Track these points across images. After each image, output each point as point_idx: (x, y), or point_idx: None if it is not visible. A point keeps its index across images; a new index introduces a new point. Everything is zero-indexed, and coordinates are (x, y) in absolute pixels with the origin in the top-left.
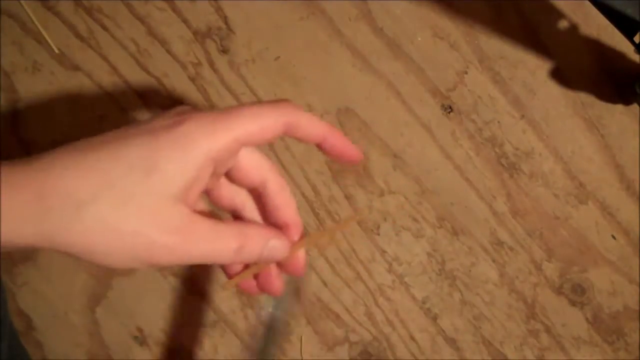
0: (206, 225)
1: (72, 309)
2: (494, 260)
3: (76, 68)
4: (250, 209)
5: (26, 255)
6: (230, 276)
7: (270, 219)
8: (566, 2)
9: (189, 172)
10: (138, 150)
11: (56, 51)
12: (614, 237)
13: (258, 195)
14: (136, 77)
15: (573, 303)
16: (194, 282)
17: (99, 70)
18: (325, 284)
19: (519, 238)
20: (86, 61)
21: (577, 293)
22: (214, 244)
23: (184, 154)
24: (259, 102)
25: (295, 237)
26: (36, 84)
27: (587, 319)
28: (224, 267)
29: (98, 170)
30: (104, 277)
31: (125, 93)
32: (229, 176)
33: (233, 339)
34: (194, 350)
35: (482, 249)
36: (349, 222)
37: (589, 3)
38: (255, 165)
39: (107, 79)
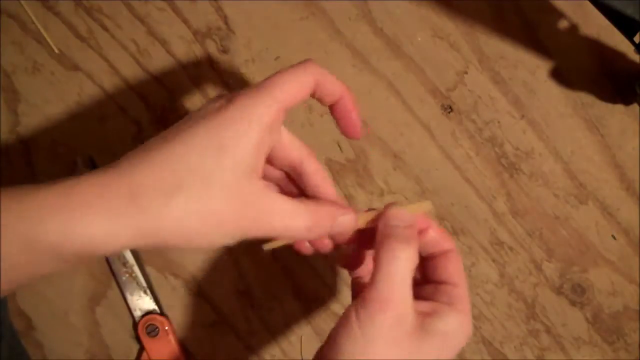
0: (280, 201)
1: (72, 309)
2: (494, 260)
3: (76, 68)
4: (290, 188)
5: None
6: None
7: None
8: (566, 2)
9: (251, 143)
10: (205, 134)
11: (56, 51)
12: (614, 237)
13: (296, 176)
14: (136, 77)
15: (573, 303)
16: (194, 282)
17: (99, 70)
18: (325, 283)
19: (519, 238)
20: (86, 61)
21: (577, 293)
22: (287, 220)
23: (244, 127)
24: (289, 67)
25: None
26: (36, 84)
27: (587, 319)
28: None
29: (176, 160)
30: (104, 277)
31: (125, 93)
32: (271, 157)
33: (233, 339)
34: (194, 351)
35: (482, 249)
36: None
37: (589, 3)
38: (294, 144)
39: (107, 79)
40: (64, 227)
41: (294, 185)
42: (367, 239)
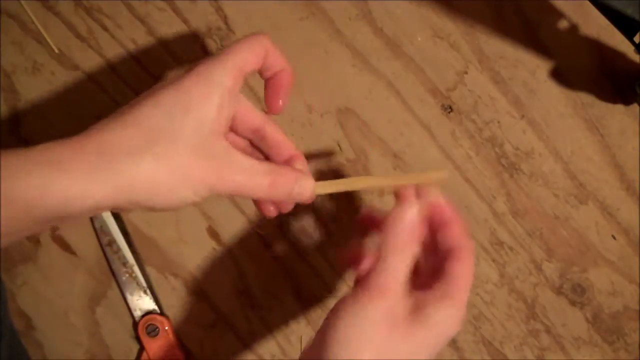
0: (242, 158)
1: (72, 309)
2: (494, 260)
3: (76, 68)
4: (257, 155)
5: (26, 255)
6: (262, 212)
7: (276, 157)
8: (566, 2)
9: (214, 104)
10: (172, 96)
11: (56, 51)
12: (614, 237)
13: (260, 140)
14: (136, 77)
15: (573, 303)
16: (194, 282)
17: (99, 70)
18: (325, 283)
19: (519, 238)
20: (86, 61)
21: (577, 293)
22: (249, 177)
23: (207, 90)
24: (243, 37)
25: (301, 166)
26: (36, 84)
27: (587, 319)
28: (258, 204)
29: (144, 120)
30: (104, 277)
31: (125, 93)
32: (235, 124)
33: (233, 339)
34: (194, 351)
35: (482, 249)
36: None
37: (589, 3)
38: (254, 111)
39: (107, 79)
40: (40, 182)
41: (260, 152)
42: (371, 224)
